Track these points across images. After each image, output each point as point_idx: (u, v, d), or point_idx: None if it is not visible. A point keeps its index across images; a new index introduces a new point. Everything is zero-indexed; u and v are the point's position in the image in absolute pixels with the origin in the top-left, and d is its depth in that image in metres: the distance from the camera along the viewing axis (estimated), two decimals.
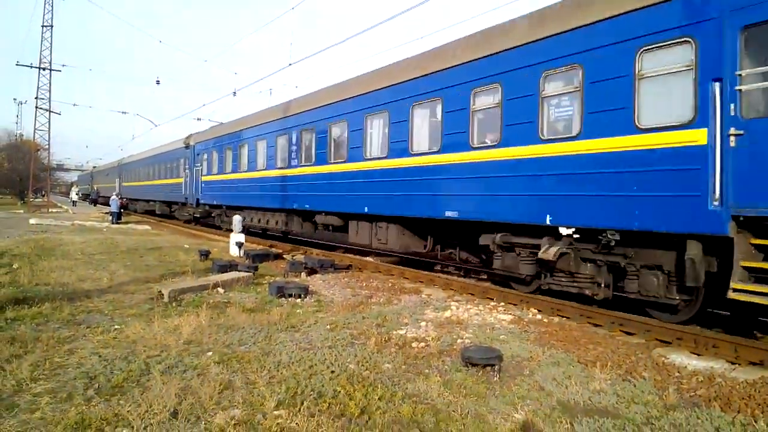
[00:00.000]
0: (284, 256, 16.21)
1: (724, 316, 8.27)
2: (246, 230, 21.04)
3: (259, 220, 20.58)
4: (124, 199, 44.26)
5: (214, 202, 24.46)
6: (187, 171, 28.11)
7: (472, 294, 10.47)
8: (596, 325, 8.16)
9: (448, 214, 10.30)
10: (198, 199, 26.45)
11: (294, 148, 16.60)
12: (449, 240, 12.46)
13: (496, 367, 5.69)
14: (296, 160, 16.38)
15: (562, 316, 8.69)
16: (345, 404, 4.69)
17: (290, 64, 21.02)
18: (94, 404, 4.57)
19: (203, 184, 25.51)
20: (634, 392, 5.29)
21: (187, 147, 28.11)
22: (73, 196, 61.14)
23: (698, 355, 6.66)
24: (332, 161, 14.45)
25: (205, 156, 25.32)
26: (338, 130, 14.43)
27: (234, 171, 21.90)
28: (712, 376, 5.86)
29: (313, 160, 15.35)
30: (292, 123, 16.87)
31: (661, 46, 6.89)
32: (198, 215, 28.01)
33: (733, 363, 6.35)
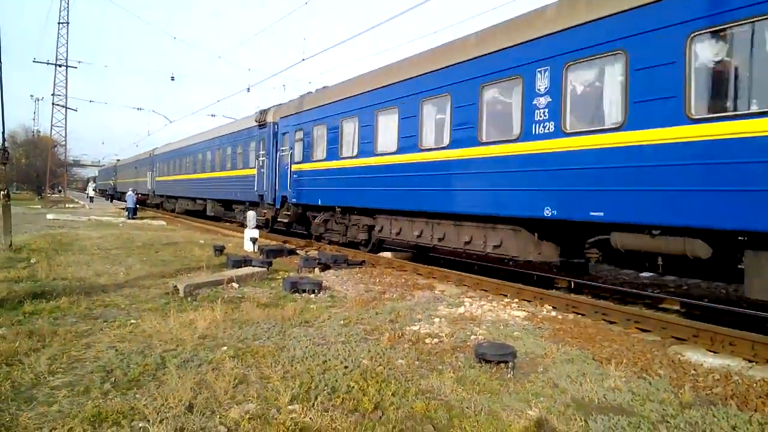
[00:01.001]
0: (298, 251, 16.26)
1: (741, 314, 8.19)
2: (372, 243, 15.33)
3: (420, 233, 12.47)
4: (140, 195, 44.48)
5: (319, 202, 16.37)
6: (262, 159, 20.93)
7: (486, 290, 10.44)
8: (611, 322, 8.11)
9: None
10: (285, 197, 18.92)
11: (546, 101, 8.84)
12: None
13: (510, 364, 5.67)
14: (551, 123, 8.76)
15: (577, 313, 8.64)
16: (358, 399, 4.71)
17: (303, 59, 21.08)
18: (111, 398, 4.62)
19: (294, 176, 17.96)
20: (649, 390, 5.25)
21: (262, 125, 21.12)
22: (90, 192, 61.79)
23: (714, 352, 6.59)
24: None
25: (299, 135, 17.74)
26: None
27: (363, 155, 13.90)
28: (729, 374, 5.80)
29: (622, 118, 7.74)
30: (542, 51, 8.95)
31: None
32: (286, 220, 19.34)
33: (750, 361, 6.27)
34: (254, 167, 21.72)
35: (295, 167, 18.00)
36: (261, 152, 21.10)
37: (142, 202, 46.48)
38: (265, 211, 20.93)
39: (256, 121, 21.58)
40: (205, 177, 28.96)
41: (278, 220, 20.04)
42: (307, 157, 17.10)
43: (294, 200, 18.07)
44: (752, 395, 5.19)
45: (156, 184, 41.62)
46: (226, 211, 28.03)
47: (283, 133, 19.21)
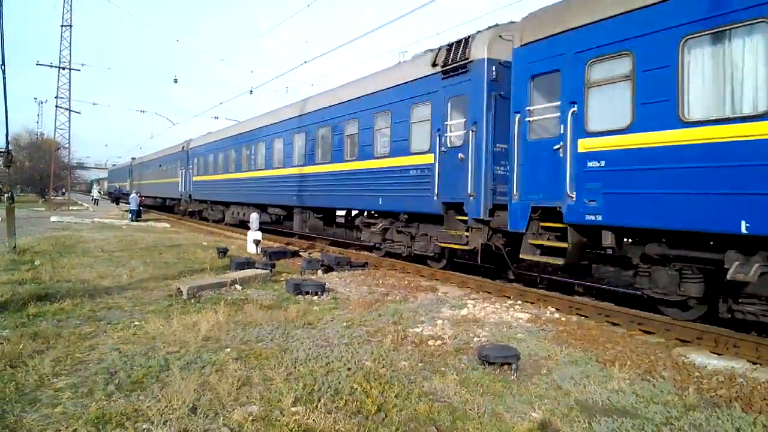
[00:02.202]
0: (301, 253, 16.28)
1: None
2: None
3: None
4: (143, 197, 43.66)
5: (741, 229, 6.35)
6: (454, 135, 11.47)
7: (489, 292, 10.43)
8: (615, 324, 8.09)
9: None
10: (538, 211, 9.26)
11: None
12: None
13: (513, 366, 5.67)
14: None
15: (580, 315, 8.62)
16: (361, 401, 4.70)
17: (306, 62, 21.15)
18: (115, 399, 4.63)
19: (591, 163, 8.30)
20: (653, 392, 5.24)
21: (450, 73, 11.48)
22: (95, 194, 61.93)
23: (719, 354, 6.58)
24: None
25: (613, 69, 8.04)
26: None
27: None
28: (733, 376, 5.78)
29: None
30: None
31: None
32: (549, 260, 9.19)
33: (754, 363, 6.25)
34: (428, 152, 11.93)
35: (590, 144, 8.28)
36: (449, 123, 11.46)
37: (169, 208, 41.98)
38: (465, 233, 11.08)
39: (435, 65, 11.86)
40: (293, 174, 18.73)
41: (521, 257, 9.63)
42: (658, 116, 7.41)
43: (591, 216, 8.15)
44: (756, 397, 5.18)
45: (193, 186, 32.05)
46: (326, 226, 18.96)
47: (535, 75, 9.31)
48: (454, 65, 11.29)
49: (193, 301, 8.85)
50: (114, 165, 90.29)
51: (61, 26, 47.94)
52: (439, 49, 11.97)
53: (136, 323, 7.24)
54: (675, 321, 7.56)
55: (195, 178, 31.79)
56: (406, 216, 13.23)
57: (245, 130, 24.27)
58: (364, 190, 14.48)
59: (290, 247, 17.17)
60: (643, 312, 8.07)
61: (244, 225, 24.13)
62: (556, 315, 8.66)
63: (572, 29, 8.71)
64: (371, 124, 14.29)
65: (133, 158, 59.71)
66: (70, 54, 48.13)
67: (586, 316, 8.53)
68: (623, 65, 7.87)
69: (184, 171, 34.07)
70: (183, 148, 34.61)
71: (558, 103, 8.87)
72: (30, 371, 5.23)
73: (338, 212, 18.13)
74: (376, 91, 14.25)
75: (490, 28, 11.06)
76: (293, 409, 4.48)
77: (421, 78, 12.42)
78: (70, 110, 49.47)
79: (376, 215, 14.87)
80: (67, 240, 17.91)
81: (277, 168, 20.21)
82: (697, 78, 7.03)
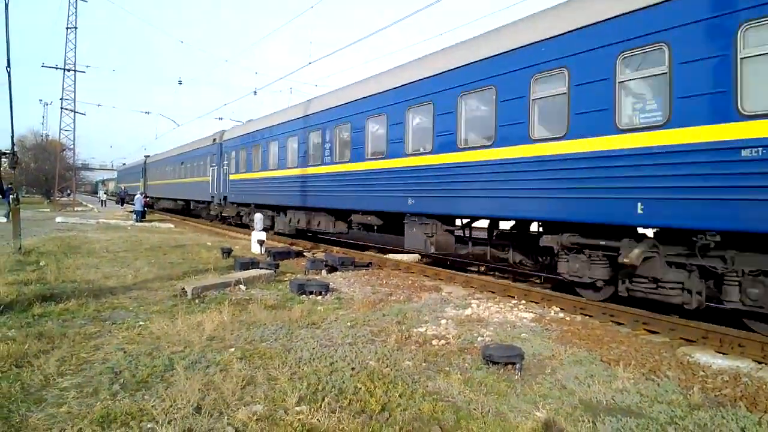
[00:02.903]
0: (305, 253, 16.30)
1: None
2: None
3: None
4: (149, 198, 43.31)
5: None
6: None
7: (493, 292, 10.42)
8: (619, 324, 8.08)
9: None
10: None
11: None
12: None
13: (518, 366, 5.67)
14: None
15: (584, 314, 8.61)
16: (365, 401, 4.71)
17: (310, 63, 21.28)
18: (120, 399, 4.65)
19: None
20: (657, 391, 5.23)
21: None
22: (102, 195, 62.18)
23: (724, 354, 6.56)
24: None
25: None
26: None
27: None
28: (738, 376, 5.76)
29: None
30: None
31: None
32: None
33: (759, 362, 6.24)
34: None
35: None
36: None
37: (191, 211, 37.88)
38: None
39: None
40: (410, 166, 12.55)
41: None
42: None
43: None
44: (762, 396, 5.16)
45: (230, 187, 26.04)
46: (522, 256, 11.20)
47: None
48: None
49: (197, 301, 8.87)
50: (123, 164, 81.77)
51: (67, 28, 48.30)
52: None
53: (140, 323, 7.26)
54: (679, 321, 7.54)
55: (232, 177, 25.64)
56: (715, 237, 6.96)
57: (318, 109, 17.41)
58: (591, 189, 8.23)
59: (294, 248, 17.18)
60: (648, 312, 8.05)
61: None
62: (561, 314, 8.65)
63: None
64: (608, 73, 8.01)
65: (147, 155, 53.27)
66: (75, 56, 48.58)
67: (590, 316, 8.52)
68: None
69: (216, 168, 28.11)
70: (215, 140, 28.51)
71: None
72: (35, 371, 5.26)
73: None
74: (621, 14, 7.83)
75: None
76: (297, 408, 4.49)
77: None
78: (75, 112, 49.79)
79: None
80: (72, 241, 17.99)
81: (377, 159, 13.81)
82: None
